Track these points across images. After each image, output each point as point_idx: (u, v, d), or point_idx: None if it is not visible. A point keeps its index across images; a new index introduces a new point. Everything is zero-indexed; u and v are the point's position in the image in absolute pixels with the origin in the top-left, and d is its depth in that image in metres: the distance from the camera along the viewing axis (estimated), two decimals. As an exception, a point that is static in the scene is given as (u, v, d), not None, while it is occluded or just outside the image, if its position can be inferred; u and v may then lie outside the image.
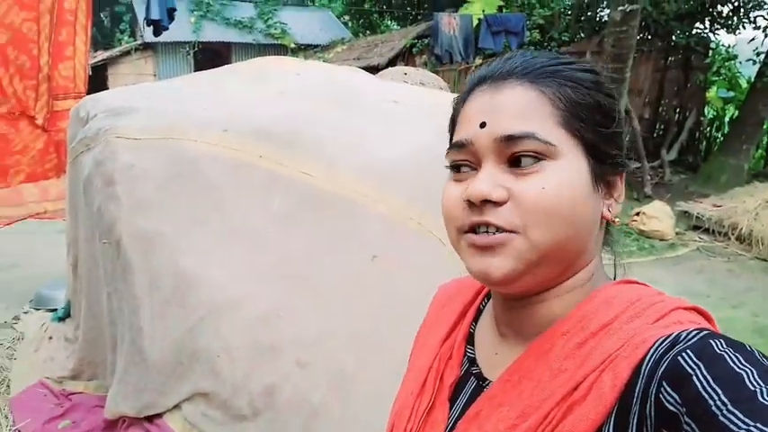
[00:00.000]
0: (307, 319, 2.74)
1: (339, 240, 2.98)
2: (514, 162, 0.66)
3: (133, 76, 16.14)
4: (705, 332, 0.57)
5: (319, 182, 3.02)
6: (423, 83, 4.70)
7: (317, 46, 18.41)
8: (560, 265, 0.67)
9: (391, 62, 13.91)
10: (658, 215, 7.70)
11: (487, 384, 0.73)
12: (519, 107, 0.67)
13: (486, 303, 0.84)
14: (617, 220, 0.72)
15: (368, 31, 20.16)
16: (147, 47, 17.18)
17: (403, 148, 3.31)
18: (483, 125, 0.68)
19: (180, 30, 16.59)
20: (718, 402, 0.48)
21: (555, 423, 0.60)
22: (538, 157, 0.65)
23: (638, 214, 7.88)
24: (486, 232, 0.65)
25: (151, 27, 9.20)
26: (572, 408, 0.60)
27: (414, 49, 14.05)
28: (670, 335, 0.58)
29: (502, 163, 0.67)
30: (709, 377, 0.50)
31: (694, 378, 0.51)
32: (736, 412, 0.46)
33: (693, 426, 0.48)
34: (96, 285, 3.19)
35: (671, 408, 0.51)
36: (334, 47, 17.66)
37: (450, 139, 0.75)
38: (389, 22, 20.77)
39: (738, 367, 0.51)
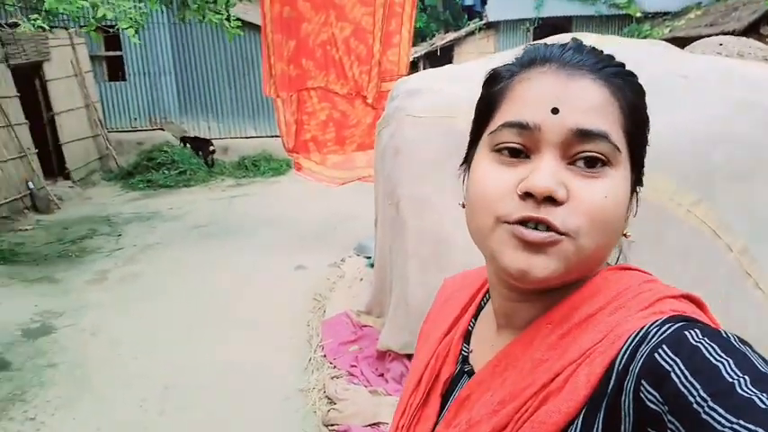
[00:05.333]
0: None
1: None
2: (575, 160, 0.62)
3: (475, 55, 17.24)
4: (679, 322, 0.55)
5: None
6: (741, 54, 4.13)
7: (667, 13, 16.84)
8: (590, 269, 0.66)
9: (752, 27, 11.93)
10: None
11: None
12: (595, 102, 0.62)
13: (486, 300, 0.81)
14: (629, 234, 0.70)
15: (737, -9, 17.51)
16: (489, 26, 18.05)
17: (681, 126, 3.08)
18: (555, 111, 0.61)
19: (522, 7, 17.06)
20: (698, 398, 0.47)
21: (531, 411, 0.60)
22: (603, 161, 0.62)
23: None
24: (536, 228, 0.60)
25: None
26: (548, 398, 0.59)
27: (783, 10, 11.77)
28: (641, 329, 0.57)
29: (563, 158, 0.62)
30: (687, 372, 0.49)
31: (673, 375, 0.50)
32: (718, 408, 0.45)
33: (677, 425, 0.47)
34: (384, 239, 3.82)
35: (653, 406, 0.50)
36: (687, 13, 15.87)
37: (487, 113, 0.69)
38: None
39: (715, 358, 0.49)
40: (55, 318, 4.98)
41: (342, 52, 5.50)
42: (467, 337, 0.79)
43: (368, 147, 5.78)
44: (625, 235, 0.69)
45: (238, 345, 4.31)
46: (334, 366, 3.71)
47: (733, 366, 0.48)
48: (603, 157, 0.61)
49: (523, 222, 0.61)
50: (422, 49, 17.82)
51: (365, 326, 4.12)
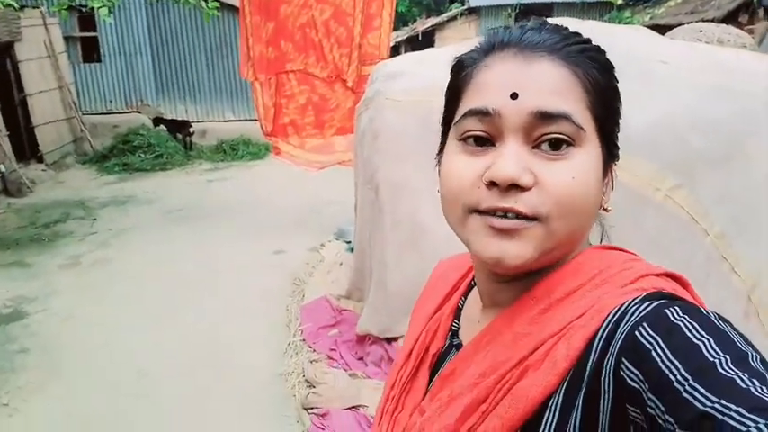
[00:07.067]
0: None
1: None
2: (539, 143, 0.61)
3: (457, 40, 17.16)
4: (659, 300, 0.55)
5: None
6: (721, 41, 4.16)
7: (647, 1, 16.94)
8: (566, 249, 0.66)
9: (731, 15, 12.04)
10: None
11: None
12: (555, 84, 0.61)
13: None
14: (609, 209, 0.69)
15: (718, -21, 17.61)
16: (471, 11, 18.02)
17: (661, 112, 3.09)
18: (515, 96, 0.61)
19: (505, -8, 17.07)
20: (679, 377, 0.47)
21: (511, 384, 0.60)
22: (568, 141, 0.61)
23: None
24: (506, 216, 0.60)
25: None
26: (527, 370, 0.60)
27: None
28: (621, 306, 0.56)
29: (527, 143, 0.61)
30: (667, 350, 0.49)
31: (653, 353, 0.49)
32: (699, 387, 0.45)
33: (657, 402, 0.47)
34: (364, 223, 3.80)
35: (633, 384, 0.50)
36: (667, 0, 16.00)
37: (453, 102, 0.69)
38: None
39: (696, 337, 0.49)
40: (26, 303, 4.89)
41: (321, 35, 5.43)
42: (457, 313, 0.80)
43: (348, 131, 5.73)
44: (605, 209, 0.69)
45: (215, 329, 4.27)
46: (314, 350, 3.70)
47: (714, 345, 0.48)
48: (568, 138, 0.61)
49: (492, 212, 0.61)
50: (403, 33, 17.74)
51: (344, 310, 4.11)
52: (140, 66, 11.83)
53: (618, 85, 0.68)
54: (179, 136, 11.06)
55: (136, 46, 11.70)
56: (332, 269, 4.93)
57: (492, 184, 0.60)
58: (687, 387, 0.46)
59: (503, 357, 0.62)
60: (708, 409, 0.44)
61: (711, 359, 0.47)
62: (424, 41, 17.74)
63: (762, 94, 3.07)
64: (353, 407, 3.07)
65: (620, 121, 0.69)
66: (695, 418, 0.44)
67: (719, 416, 0.43)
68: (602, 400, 0.54)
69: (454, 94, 0.69)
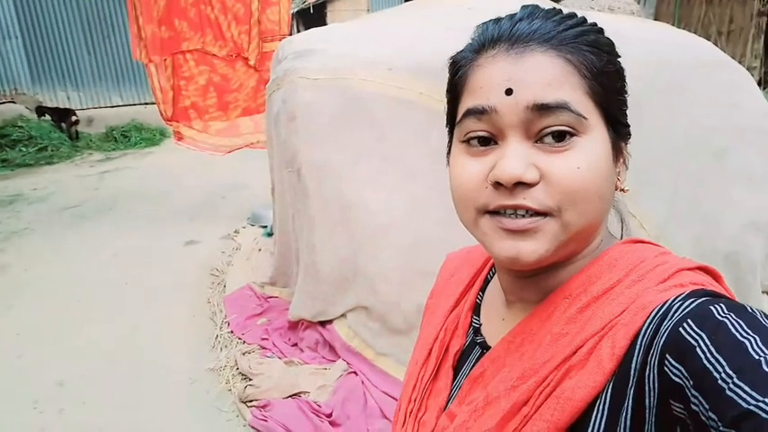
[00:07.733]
0: (457, 246, 2.93)
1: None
2: (542, 137, 0.61)
3: (349, 12, 16.98)
4: (703, 298, 0.55)
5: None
6: (612, 8, 4.39)
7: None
8: (586, 240, 0.66)
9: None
10: None
11: None
12: (548, 75, 0.60)
13: (493, 273, 0.82)
14: (626, 188, 0.69)
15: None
16: (361, -19, 17.80)
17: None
18: (509, 92, 0.61)
19: (394, -39, 17.00)
20: (724, 375, 0.47)
21: (554, 386, 0.60)
22: (570, 131, 0.60)
23: None
24: (515, 215, 0.61)
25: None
26: (569, 371, 0.59)
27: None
28: (665, 303, 0.57)
29: (529, 138, 0.61)
30: (712, 347, 0.49)
31: (698, 349, 0.49)
32: (743, 385, 0.45)
33: (701, 399, 0.47)
34: (285, 207, 3.71)
35: (677, 380, 0.50)
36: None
37: (454, 103, 0.69)
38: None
39: (741, 335, 0.49)
40: None
41: (218, 11, 5.18)
42: (476, 309, 0.79)
43: (254, 111, 5.55)
44: (623, 190, 0.68)
45: (133, 330, 4.05)
46: (244, 342, 3.60)
47: (759, 343, 0.48)
48: (570, 129, 0.60)
49: (501, 210, 0.61)
50: (294, 6, 17.27)
51: (271, 297, 4.02)
52: (10, 50, 10.76)
53: (619, 60, 0.67)
54: (63, 126, 10.26)
55: (3, 29, 10.63)
56: (251, 256, 4.80)
57: (498, 185, 0.61)
58: (731, 385, 0.46)
59: (542, 359, 0.62)
60: (751, 408, 0.44)
61: (756, 357, 0.47)
62: (316, 15, 17.41)
63: (655, 61, 3.27)
64: (294, 395, 3.03)
65: (627, 97, 0.68)
66: (738, 416, 0.44)
67: (763, 414, 0.43)
68: (647, 398, 0.54)
69: (453, 95, 0.69)
